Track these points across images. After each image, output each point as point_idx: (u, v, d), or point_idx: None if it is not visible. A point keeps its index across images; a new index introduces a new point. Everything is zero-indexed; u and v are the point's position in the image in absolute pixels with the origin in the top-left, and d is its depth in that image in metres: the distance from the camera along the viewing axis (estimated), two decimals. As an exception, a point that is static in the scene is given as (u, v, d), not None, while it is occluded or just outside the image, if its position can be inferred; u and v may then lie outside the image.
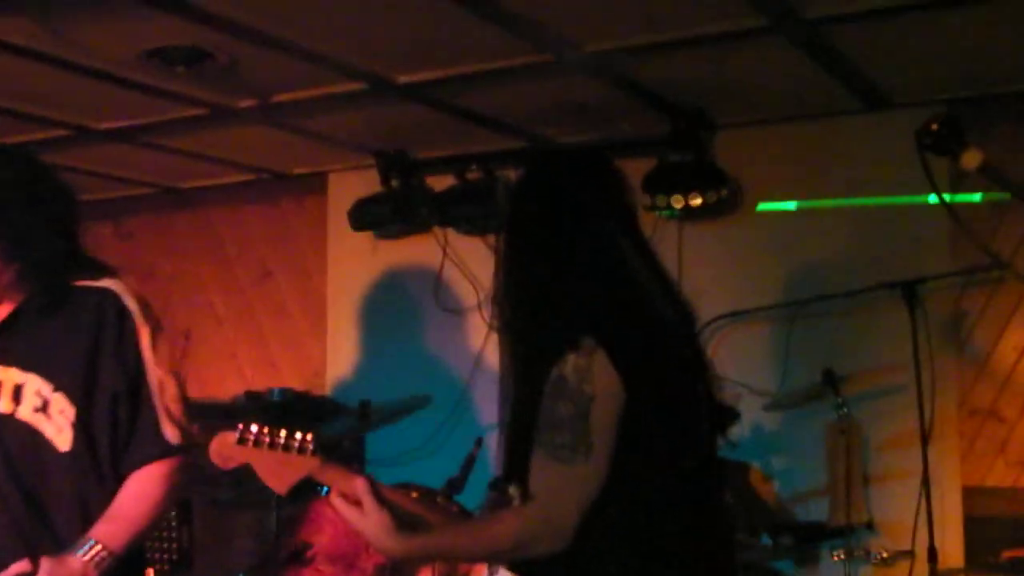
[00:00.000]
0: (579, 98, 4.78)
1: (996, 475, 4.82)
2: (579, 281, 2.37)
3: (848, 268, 4.86)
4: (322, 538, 4.10)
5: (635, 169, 4.86)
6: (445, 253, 5.73)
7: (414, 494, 3.92)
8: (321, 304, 6.17)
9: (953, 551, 4.64)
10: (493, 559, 2.45)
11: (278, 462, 2.35)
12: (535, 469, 2.25)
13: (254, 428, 2.35)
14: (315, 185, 6.20)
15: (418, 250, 5.82)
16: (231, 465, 2.39)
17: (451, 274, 5.73)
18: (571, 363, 2.23)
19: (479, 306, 5.56)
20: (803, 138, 5.12)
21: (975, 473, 4.83)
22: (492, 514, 2.44)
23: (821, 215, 5.06)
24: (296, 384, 5.80)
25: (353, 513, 2.29)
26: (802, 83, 4.63)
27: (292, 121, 5.15)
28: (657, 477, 2.30)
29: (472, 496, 4.22)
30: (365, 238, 5.86)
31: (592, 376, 2.22)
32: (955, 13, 3.87)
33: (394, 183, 5.65)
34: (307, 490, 2.50)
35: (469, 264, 5.66)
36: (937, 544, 4.36)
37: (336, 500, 2.31)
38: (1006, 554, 4.42)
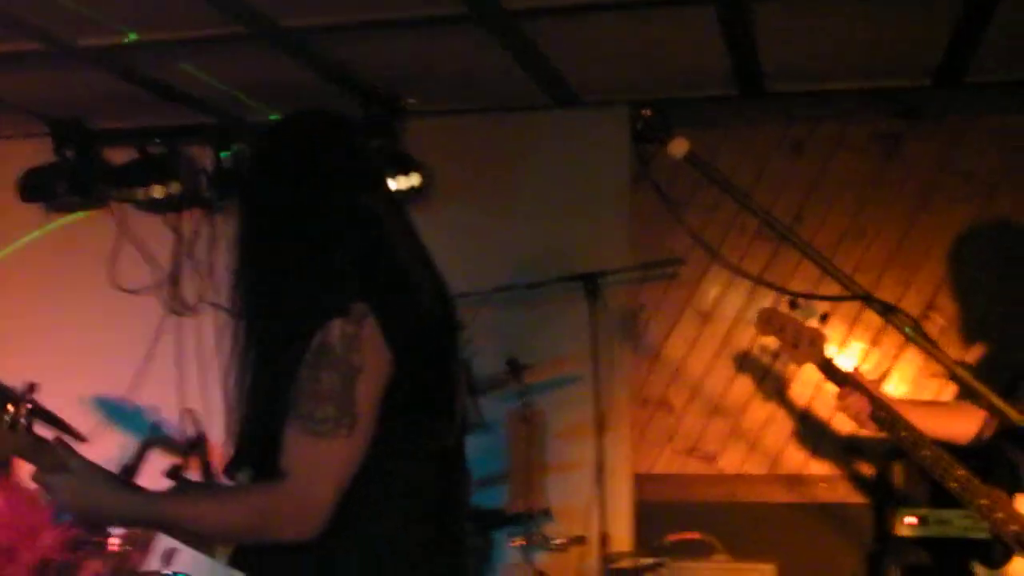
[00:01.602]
0: (270, 76, 4.65)
1: (664, 462, 5.05)
2: (345, 245, 2.16)
3: (532, 260, 4.95)
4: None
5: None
6: (122, 230, 5.45)
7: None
8: (-18, 281, 5.73)
9: (623, 536, 4.81)
10: (228, 537, 2.14)
11: None
12: (289, 444, 2.02)
13: None
14: (-21, 152, 5.75)
15: (92, 226, 5.50)
16: None
17: (127, 252, 5.45)
18: (338, 330, 2.02)
19: (157, 286, 5.32)
20: (494, 130, 5.19)
21: (645, 460, 5.05)
22: (238, 487, 2.17)
23: (508, 207, 5.14)
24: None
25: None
26: (496, 75, 4.67)
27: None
28: (413, 456, 2.17)
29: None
30: (34, 211, 5.48)
31: (361, 345, 2.03)
32: (644, 17, 4.00)
33: (69, 153, 5.31)
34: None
35: (147, 242, 5.40)
36: (609, 529, 4.52)
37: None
38: (670, 537, 4.66)
